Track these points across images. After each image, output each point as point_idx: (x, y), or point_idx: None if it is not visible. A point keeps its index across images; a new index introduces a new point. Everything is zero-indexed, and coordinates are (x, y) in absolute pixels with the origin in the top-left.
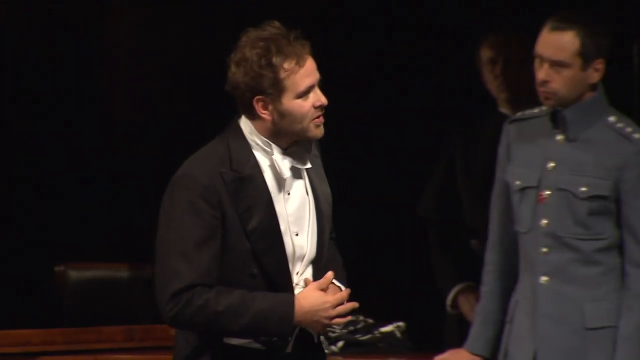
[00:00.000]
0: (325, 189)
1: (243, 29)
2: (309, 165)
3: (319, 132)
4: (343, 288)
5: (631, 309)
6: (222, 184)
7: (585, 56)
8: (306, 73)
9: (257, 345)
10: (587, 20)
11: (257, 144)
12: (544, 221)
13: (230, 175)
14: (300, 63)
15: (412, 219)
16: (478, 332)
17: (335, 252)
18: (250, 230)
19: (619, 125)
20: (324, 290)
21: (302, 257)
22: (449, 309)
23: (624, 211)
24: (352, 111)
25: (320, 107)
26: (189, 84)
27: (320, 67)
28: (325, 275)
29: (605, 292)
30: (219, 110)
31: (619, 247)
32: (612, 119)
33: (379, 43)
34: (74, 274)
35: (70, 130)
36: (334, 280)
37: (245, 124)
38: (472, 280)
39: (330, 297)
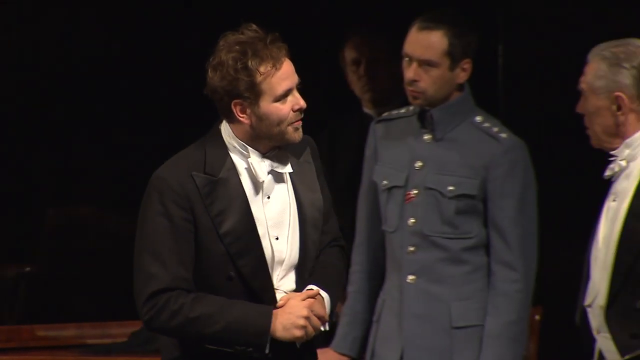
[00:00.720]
0: (314, 195)
1: (99, 25)
2: (289, 170)
3: (297, 135)
4: (325, 297)
5: (497, 308)
6: (193, 187)
7: (453, 56)
8: (283, 76)
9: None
10: (454, 20)
11: (234, 147)
12: (412, 220)
13: (202, 179)
14: (276, 66)
15: None
16: (345, 331)
17: (335, 260)
18: (223, 233)
19: (486, 125)
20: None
21: (281, 262)
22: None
23: (491, 210)
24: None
25: (299, 110)
26: (52, 80)
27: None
28: (307, 289)
29: (472, 291)
30: (81, 107)
31: (486, 246)
32: (478, 118)
33: None
34: None
35: None
36: (313, 287)
37: (224, 127)
38: None
39: (306, 303)
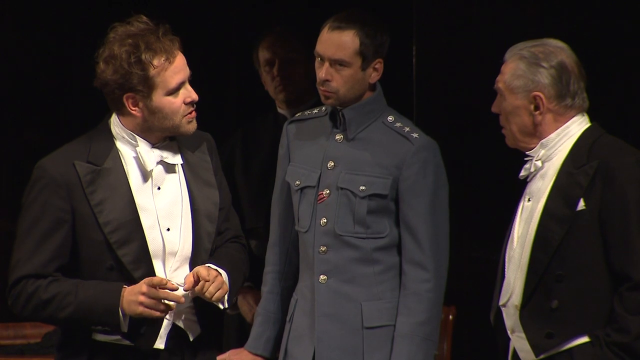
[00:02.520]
0: (209, 189)
1: None
2: (179, 161)
3: (192, 127)
4: (222, 272)
5: (408, 308)
6: (74, 175)
7: (365, 55)
8: (176, 69)
9: (126, 342)
10: (366, 20)
11: (123, 137)
12: (323, 220)
13: (84, 167)
14: (169, 59)
15: None
16: (258, 332)
17: (233, 251)
18: (103, 222)
19: (398, 124)
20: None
21: (174, 253)
22: (227, 309)
23: (403, 210)
24: None
25: (191, 103)
26: None
27: None
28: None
29: (383, 291)
30: None
31: (398, 246)
32: (390, 118)
33: None
34: None
35: None
36: (210, 265)
37: (113, 119)
38: (250, 281)
39: (148, 281)
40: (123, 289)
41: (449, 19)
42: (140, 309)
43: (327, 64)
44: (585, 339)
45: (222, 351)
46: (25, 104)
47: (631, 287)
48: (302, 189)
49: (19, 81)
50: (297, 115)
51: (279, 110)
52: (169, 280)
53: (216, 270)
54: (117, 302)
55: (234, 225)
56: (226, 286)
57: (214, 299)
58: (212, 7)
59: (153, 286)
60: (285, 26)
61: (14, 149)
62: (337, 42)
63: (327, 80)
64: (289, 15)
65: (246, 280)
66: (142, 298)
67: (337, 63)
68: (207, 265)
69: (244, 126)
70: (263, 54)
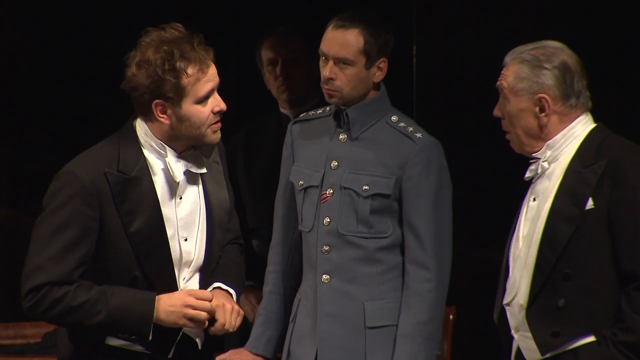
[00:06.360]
0: (222, 195)
1: None
2: (204, 170)
3: (216, 137)
4: (232, 292)
5: (410, 308)
6: (105, 184)
7: (369, 54)
8: (208, 79)
9: (138, 348)
10: (370, 19)
11: (151, 146)
12: (327, 220)
13: (115, 177)
14: (203, 69)
15: None
16: (259, 332)
17: (236, 257)
18: (132, 232)
19: (401, 124)
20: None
21: (189, 263)
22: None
23: (406, 209)
24: None
25: (219, 112)
26: None
27: None
28: (212, 286)
29: (386, 290)
30: None
31: (401, 246)
32: (394, 118)
33: None
34: None
35: None
36: (221, 284)
37: (140, 125)
38: (253, 280)
39: (193, 293)
40: (157, 299)
41: (449, 19)
42: (183, 321)
43: (331, 63)
44: (591, 338)
45: (223, 351)
46: (25, 104)
47: (639, 287)
48: (305, 188)
49: (20, 81)
50: (301, 115)
51: (282, 110)
52: (208, 292)
53: (226, 291)
54: (152, 311)
55: (235, 226)
56: (241, 311)
57: (233, 330)
58: (213, 7)
59: (197, 298)
60: (288, 26)
61: (14, 149)
62: (341, 40)
63: (331, 79)
64: (291, 15)
65: (244, 280)
66: (189, 311)
67: (341, 61)
68: (217, 285)
69: (247, 126)
70: (266, 54)
